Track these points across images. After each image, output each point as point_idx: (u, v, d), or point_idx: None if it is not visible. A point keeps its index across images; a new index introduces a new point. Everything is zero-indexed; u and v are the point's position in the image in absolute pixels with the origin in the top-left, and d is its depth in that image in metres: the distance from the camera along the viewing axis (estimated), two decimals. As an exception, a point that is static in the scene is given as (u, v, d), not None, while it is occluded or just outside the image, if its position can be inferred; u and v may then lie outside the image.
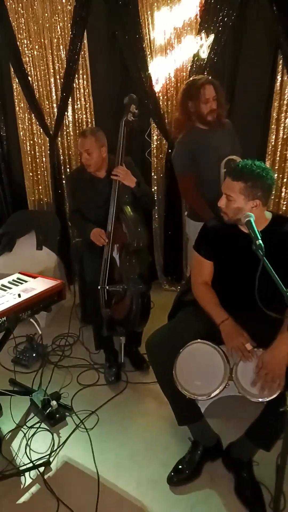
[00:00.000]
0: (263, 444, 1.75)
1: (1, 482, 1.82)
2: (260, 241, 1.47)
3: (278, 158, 3.03)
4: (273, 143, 3.01)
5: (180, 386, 1.72)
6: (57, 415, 2.15)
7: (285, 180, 3.08)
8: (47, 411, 2.14)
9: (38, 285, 2.04)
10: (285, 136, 2.98)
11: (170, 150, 3.11)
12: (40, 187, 3.62)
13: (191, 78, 2.54)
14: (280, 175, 3.07)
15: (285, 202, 3.12)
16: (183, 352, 1.77)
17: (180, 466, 1.86)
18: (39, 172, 3.58)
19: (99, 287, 2.40)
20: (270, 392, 1.63)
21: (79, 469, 1.91)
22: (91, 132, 2.51)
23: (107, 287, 2.39)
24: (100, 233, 2.49)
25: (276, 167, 3.04)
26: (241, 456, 1.80)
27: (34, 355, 2.69)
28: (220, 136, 2.51)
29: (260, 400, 1.66)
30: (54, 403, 2.16)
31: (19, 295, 1.92)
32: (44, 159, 3.52)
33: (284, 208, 3.12)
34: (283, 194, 3.10)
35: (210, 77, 2.51)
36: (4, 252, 3.21)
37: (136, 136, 3.27)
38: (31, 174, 3.58)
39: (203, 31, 2.82)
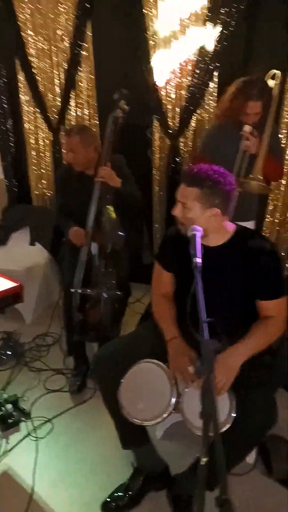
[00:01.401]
0: (207, 483, 1.57)
1: None
2: (199, 260, 1.29)
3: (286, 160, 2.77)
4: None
5: (122, 407, 1.57)
6: (10, 420, 2.06)
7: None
8: None
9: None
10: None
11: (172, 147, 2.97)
12: (43, 182, 3.58)
13: (247, 78, 2.24)
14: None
15: None
16: (131, 371, 1.62)
17: (117, 493, 1.71)
18: (42, 166, 3.53)
19: (72, 290, 2.30)
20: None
21: (15, 481, 1.81)
22: (77, 131, 2.40)
23: (80, 291, 2.29)
24: (79, 232, 2.39)
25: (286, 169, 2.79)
26: (181, 492, 1.62)
27: (9, 353, 2.64)
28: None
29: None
30: (9, 406, 2.08)
31: None
32: (47, 153, 3.46)
33: None
34: None
35: (266, 88, 2.22)
36: (-2, 245, 3.20)
37: (136, 132, 3.14)
38: (35, 168, 3.54)
39: (210, 21, 2.62)
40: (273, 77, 2.31)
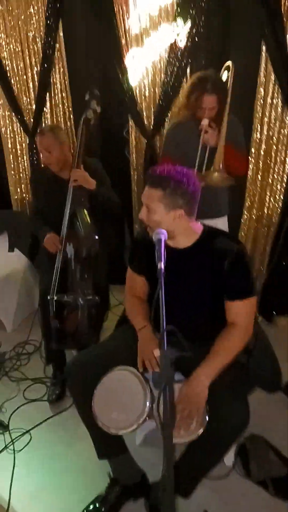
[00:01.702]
0: (181, 490, 1.54)
1: None
2: (162, 266, 1.25)
3: (262, 153, 2.75)
4: (257, 141, 2.72)
5: (96, 417, 1.53)
6: (-14, 432, 2.03)
7: (269, 180, 2.78)
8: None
9: None
10: (270, 133, 2.69)
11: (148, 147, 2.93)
12: (22, 186, 3.52)
13: (201, 73, 2.25)
14: (266, 175, 2.78)
15: (269, 204, 2.83)
16: (104, 380, 1.58)
17: (93, 505, 1.67)
18: (20, 171, 3.47)
19: (48, 297, 2.25)
20: (186, 432, 1.42)
21: (-9, 496, 1.78)
22: (50, 129, 2.38)
23: (56, 297, 2.24)
24: (54, 239, 2.35)
25: (260, 164, 2.77)
26: (158, 501, 1.59)
27: (-11, 362, 2.59)
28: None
29: (177, 441, 1.44)
30: (-15, 418, 2.04)
31: None
32: (25, 157, 3.41)
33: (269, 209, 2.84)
34: (267, 192, 2.82)
35: (220, 83, 2.23)
36: (-24, 251, 3.14)
37: (113, 133, 3.10)
38: (13, 172, 3.48)
39: (180, 17, 2.58)
40: (227, 69, 2.30)
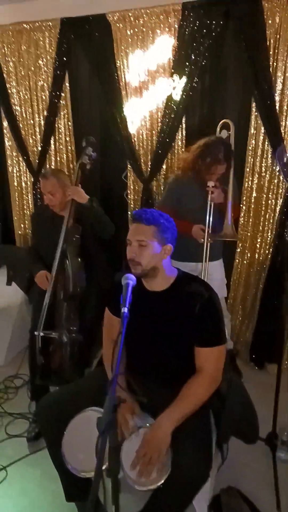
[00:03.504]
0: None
1: None
2: (126, 310, 1.30)
3: (253, 201, 2.84)
4: (249, 189, 2.82)
5: (65, 459, 1.54)
6: None
7: (260, 226, 2.85)
8: None
9: None
10: (261, 182, 2.78)
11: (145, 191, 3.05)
12: (26, 222, 3.66)
13: (212, 141, 2.38)
14: (257, 221, 2.86)
15: (260, 249, 2.89)
16: (73, 421, 1.60)
17: None
18: (24, 207, 3.62)
19: (35, 333, 2.31)
20: (148, 480, 1.41)
21: None
22: (52, 173, 2.51)
23: (42, 333, 2.29)
24: (45, 276, 2.43)
25: (251, 211, 2.85)
26: None
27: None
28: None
29: (139, 489, 1.44)
30: None
31: None
32: (29, 194, 3.56)
33: (260, 254, 2.89)
34: (258, 238, 2.88)
35: (230, 150, 2.38)
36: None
37: (113, 176, 3.24)
38: (17, 208, 3.63)
39: (176, 73, 2.75)
40: (224, 127, 2.45)
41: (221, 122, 2.55)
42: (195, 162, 2.36)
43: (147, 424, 1.54)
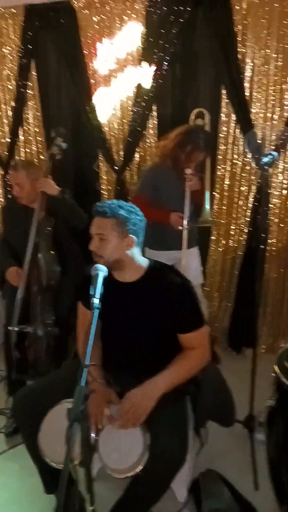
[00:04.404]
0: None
1: None
2: (96, 301, 1.28)
3: (226, 188, 2.85)
4: (222, 176, 2.83)
5: (42, 452, 1.52)
6: None
7: (234, 214, 2.87)
8: None
9: None
10: (234, 170, 2.79)
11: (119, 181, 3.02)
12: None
13: (191, 128, 2.42)
14: (230, 209, 2.88)
15: (235, 236, 2.91)
16: (50, 413, 1.58)
17: None
18: (-5, 203, 3.54)
19: (9, 328, 2.26)
20: (126, 467, 1.41)
21: None
22: (23, 166, 2.45)
23: (16, 328, 2.25)
24: (16, 272, 2.38)
25: (225, 199, 2.86)
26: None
27: None
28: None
29: (117, 477, 1.44)
30: None
31: None
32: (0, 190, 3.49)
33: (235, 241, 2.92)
34: (232, 225, 2.91)
35: (210, 138, 2.43)
36: None
37: (86, 167, 3.19)
38: (-12, 204, 3.55)
39: (145, 60, 2.72)
40: (199, 115, 2.45)
41: (196, 111, 2.55)
42: (175, 150, 2.36)
43: None
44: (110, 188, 3.12)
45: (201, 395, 1.69)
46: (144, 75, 2.74)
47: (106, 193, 3.14)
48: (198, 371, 1.60)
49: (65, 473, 0.99)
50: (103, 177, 3.11)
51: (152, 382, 1.49)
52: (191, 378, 1.62)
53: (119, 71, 2.81)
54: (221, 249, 2.97)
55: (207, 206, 2.46)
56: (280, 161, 2.68)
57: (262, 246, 2.73)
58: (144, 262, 1.63)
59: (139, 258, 1.63)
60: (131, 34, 2.72)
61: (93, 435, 1.48)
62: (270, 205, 2.75)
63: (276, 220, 2.78)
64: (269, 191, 2.72)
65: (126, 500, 1.51)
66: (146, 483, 1.42)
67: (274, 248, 2.82)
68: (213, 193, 2.82)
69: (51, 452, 1.51)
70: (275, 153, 1.88)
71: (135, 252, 1.60)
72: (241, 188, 2.82)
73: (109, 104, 2.89)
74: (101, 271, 1.40)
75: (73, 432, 1.02)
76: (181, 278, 1.61)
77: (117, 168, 3.01)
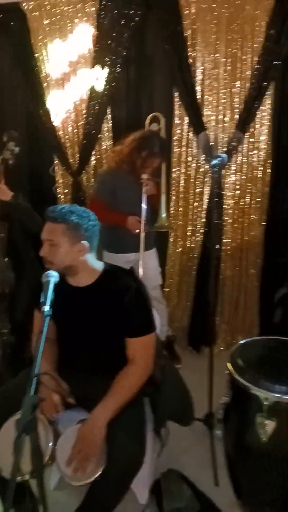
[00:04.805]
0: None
1: None
2: (46, 308, 1.26)
3: (182, 190, 2.88)
4: (176, 178, 2.87)
5: None
6: None
7: (190, 215, 2.91)
8: None
9: None
10: (188, 172, 2.84)
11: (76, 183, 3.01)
12: None
13: (147, 134, 2.45)
14: (187, 210, 2.92)
15: (192, 237, 2.96)
16: (6, 424, 1.54)
17: None
18: None
19: None
20: (84, 474, 1.40)
21: None
22: None
23: None
24: None
25: (180, 200, 2.90)
26: None
27: None
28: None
29: (75, 484, 1.43)
30: None
31: None
32: None
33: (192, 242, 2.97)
34: (189, 227, 2.96)
35: (165, 144, 2.49)
36: None
37: (42, 171, 3.15)
38: None
39: (97, 63, 2.72)
40: (154, 120, 2.49)
41: (151, 115, 2.59)
42: (131, 155, 2.38)
43: (81, 419, 1.52)
44: (67, 191, 3.09)
45: (160, 396, 1.70)
46: (97, 78, 2.74)
47: (63, 197, 3.11)
48: (141, 386, 1.57)
49: (12, 484, 0.97)
50: (60, 180, 3.08)
51: (94, 415, 1.46)
52: (150, 379, 1.62)
53: (72, 74, 2.79)
54: (179, 250, 3.01)
55: (164, 211, 2.52)
56: (232, 163, 2.74)
57: (217, 246, 2.78)
58: (98, 266, 1.63)
59: (93, 262, 1.62)
60: (83, 36, 2.71)
61: (50, 444, 1.46)
62: (224, 205, 2.81)
63: (230, 221, 2.85)
64: (222, 192, 2.78)
65: (86, 506, 1.49)
66: (105, 488, 1.42)
67: (229, 248, 2.89)
68: (170, 196, 2.85)
69: (6, 465, 1.48)
70: (224, 155, 1.93)
71: (89, 257, 1.59)
72: (196, 189, 2.87)
73: (63, 107, 2.86)
74: (52, 277, 1.38)
75: (21, 444, 0.99)
76: (135, 282, 1.61)
77: (73, 171, 2.98)
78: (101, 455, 1.42)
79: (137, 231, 2.41)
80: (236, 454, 1.64)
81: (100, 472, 1.40)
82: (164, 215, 2.53)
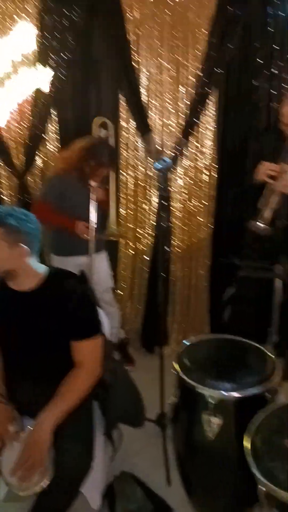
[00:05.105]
0: None
1: None
2: None
3: (131, 193, 2.90)
4: (125, 181, 2.88)
5: None
6: None
7: (139, 217, 2.93)
8: None
9: None
10: (136, 175, 2.86)
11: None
12: None
13: (95, 143, 2.44)
14: (137, 213, 2.94)
15: (142, 241, 2.99)
16: None
17: None
18: None
19: None
20: (30, 483, 1.37)
21: None
22: None
23: None
24: None
25: (131, 209, 2.93)
26: None
27: None
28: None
29: (23, 494, 1.39)
30: None
31: None
32: None
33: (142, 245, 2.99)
34: (138, 229, 2.99)
35: (115, 154, 2.55)
36: None
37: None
38: None
39: (41, 64, 2.67)
40: (103, 125, 2.49)
41: (100, 121, 2.58)
42: (79, 163, 2.38)
43: (27, 427, 1.49)
44: (12, 193, 3.01)
45: (110, 399, 1.69)
46: (41, 78, 2.69)
47: (8, 199, 3.03)
48: (89, 390, 1.56)
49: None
50: (4, 182, 3.00)
51: (41, 419, 1.44)
52: (99, 382, 1.61)
53: (15, 73, 2.73)
54: (130, 253, 3.02)
55: (113, 220, 2.53)
56: (179, 167, 2.79)
57: (167, 248, 2.83)
58: (42, 269, 1.59)
59: (36, 265, 1.58)
60: (25, 36, 2.65)
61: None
62: (172, 208, 2.85)
63: (179, 223, 2.90)
64: (170, 195, 2.82)
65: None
66: (53, 495, 1.39)
67: (179, 250, 2.94)
68: (119, 202, 2.85)
69: None
70: (168, 159, 1.96)
71: (30, 261, 1.55)
72: (146, 191, 2.89)
73: (6, 107, 2.79)
74: None
75: None
76: (81, 286, 1.59)
77: (18, 172, 2.91)
78: (48, 461, 1.40)
79: (85, 236, 2.40)
80: (185, 453, 1.67)
81: (46, 480, 1.38)
82: (113, 225, 2.55)
